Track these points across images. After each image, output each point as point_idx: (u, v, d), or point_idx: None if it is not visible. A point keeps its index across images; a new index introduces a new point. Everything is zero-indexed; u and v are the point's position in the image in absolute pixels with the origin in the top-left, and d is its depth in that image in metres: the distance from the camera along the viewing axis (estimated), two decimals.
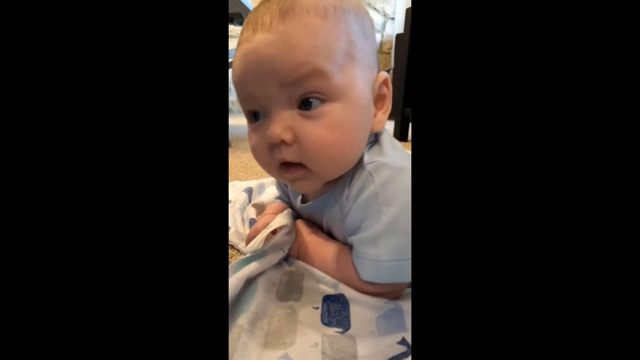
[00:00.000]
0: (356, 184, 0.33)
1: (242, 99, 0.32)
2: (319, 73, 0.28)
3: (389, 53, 3.32)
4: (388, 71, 2.61)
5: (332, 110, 0.29)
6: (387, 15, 3.32)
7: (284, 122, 0.29)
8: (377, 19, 3.29)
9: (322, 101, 0.29)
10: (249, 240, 0.41)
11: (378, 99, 0.34)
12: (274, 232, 0.38)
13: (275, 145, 0.30)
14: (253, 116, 0.32)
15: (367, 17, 0.33)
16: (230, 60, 2.04)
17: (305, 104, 0.29)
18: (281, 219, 0.39)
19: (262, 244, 0.36)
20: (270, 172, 0.34)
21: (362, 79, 0.31)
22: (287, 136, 0.29)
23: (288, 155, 0.30)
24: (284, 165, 0.31)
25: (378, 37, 3.22)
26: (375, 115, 0.34)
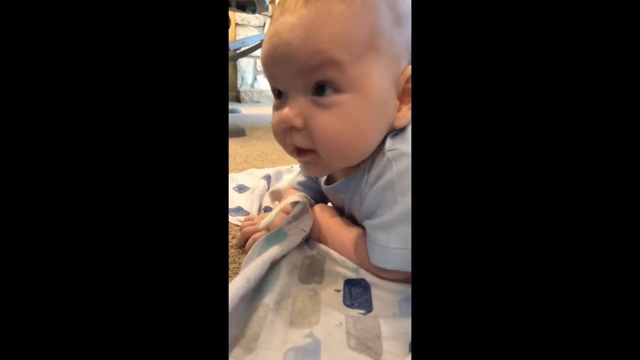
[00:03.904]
0: (375, 170, 0.33)
1: (267, 77, 0.33)
2: (332, 63, 0.28)
3: None
4: None
5: (343, 101, 0.29)
6: None
7: (297, 108, 0.30)
8: None
9: (335, 90, 0.29)
10: (240, 239, 0.43)
11: (405, 94, 0.33)
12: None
13: (288, 129, 0.31)
14: (278, 93, 0.33)
15: (405, 3, 0.31)
16: (242, 49, 2.02)
17: (319, 90, 0.29)
18: (293, 197, 0.41)
19: (277, 217, 0.38)
20: (287, 152, 0.35)
21: (382, 72, 0.30)
22: (298, 121, 0.30)
23: (299, 140, 0.31)
24: (297, 148, 0.32)
25: None
26: (399, 110, 0.33)
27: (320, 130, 0.30)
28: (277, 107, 0.33)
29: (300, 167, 0.51)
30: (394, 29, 0.30)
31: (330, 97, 0.29)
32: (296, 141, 0.31)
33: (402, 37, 0.31)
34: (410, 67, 0.32)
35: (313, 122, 0.30)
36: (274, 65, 0.31)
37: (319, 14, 0.27)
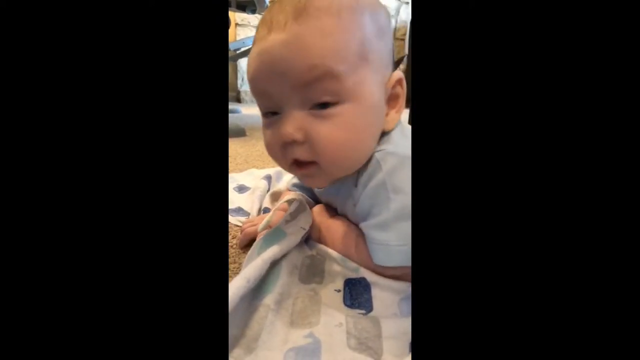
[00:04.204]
0: (364, 172, 0.34)
1: (256, 95, 0.33)
2: (331, 75, 0.29)
3: (403, 39, 3.25)
4: (402, 58, 2.55)
5: (343, 111, 0.30)
6: (401, 0, 3.23)
7: (296, 122, 0.30)
8: (391, 3, 3.22)
9: (335, 102, 0.30)
10: (242, 240, 0.43)
11: (391, 99, 0.34)
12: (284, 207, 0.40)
13: (288, 144, 0.31)
14: (269, 112, 0.33)
15: (384, 15, 0.33)
16: (242, 49, 2.02)
17: (320, 104, 0.30)
18: (288, 196, 0.41)
19: (274, 215, 0.38)
20: (283, 167, 0.36)
21: (373, 80, 0.32)
22: (299, 136, 0.30)
23: (300, 154, 0.31)
24: (296, 162, 0.32)
25: (392, 22, 3.15)
26: (387, 114, 0.34)
27: (325, 141, 0.30)
28: (269, 125, 0.33)
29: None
30: (378, 40, 0.32)
31: (329, 109, 0.30)
32: (297, 155, 0.31)
33: (384, 47, 0.33)
34: (395, 73, 0.34)
35: (315, 135, 0.30)
36: (266, 83, 0.31)
37: (311, 28, 0.28)
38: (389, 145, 0.33)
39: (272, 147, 0.33)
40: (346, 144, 0.31)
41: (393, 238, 0.31)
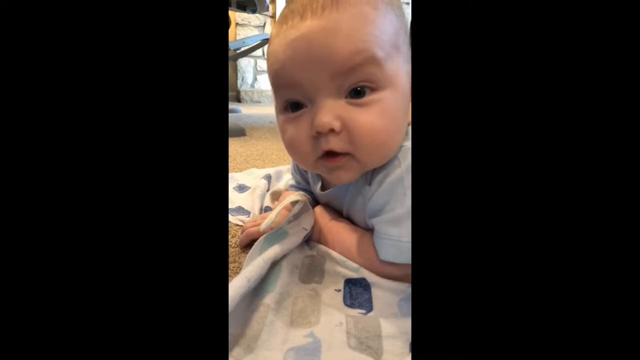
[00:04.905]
0: (381, 169, 0.33)
1: (283, 87, 0.32)
2: (373, 61, 0.29)
3: None
4: None
5: (381, 98, 0.30)
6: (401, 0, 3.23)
7: (332, 111, 0.29)
8: None
9: (372, 89, 0.30)
10: (243, 240, 0.42)
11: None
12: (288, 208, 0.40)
13: (322, 135, 0.30)
14: (290, 107, 0.32)
15: (404, 14, 0.34)
16: (242, 49, 2.01)
17: (356, 93, 0.30)
18: (292, 196, 0.40)
19: (278, 216, 0.37)
20: (306, 164, 0.34)
21: (404, 70, 0.32)
22: (337, 124, 0.29)
23: (335, 144, 0.30)
24: (326, 155, 0.31)
25: None
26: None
27: (364, 129, 0.29)
28: (293, 120, 0.32)
29: (293, 171, 0.51)
30: (404, 32, 0.33)
31: (368, 97, 0.30)
32: (332, 145, 0.30)
33: (407, 40, 0.34)
34: None
35: (354, 123, 0.29)
36: (300, 71, 0.29)
37: (352, 15, 0.28)
38: (407, 142, 0.34)
39: (298, 140, 0.32)
40: (385, 131, 0.30)
41: (405, 234, 0.31)
